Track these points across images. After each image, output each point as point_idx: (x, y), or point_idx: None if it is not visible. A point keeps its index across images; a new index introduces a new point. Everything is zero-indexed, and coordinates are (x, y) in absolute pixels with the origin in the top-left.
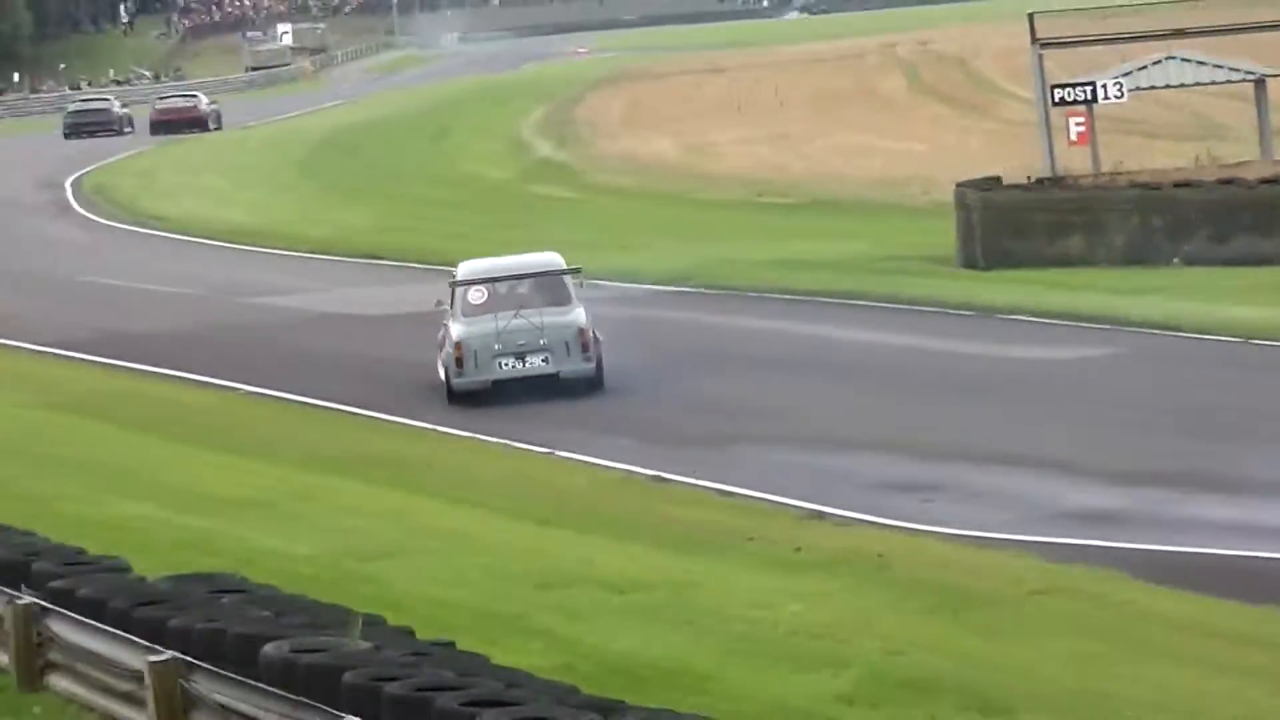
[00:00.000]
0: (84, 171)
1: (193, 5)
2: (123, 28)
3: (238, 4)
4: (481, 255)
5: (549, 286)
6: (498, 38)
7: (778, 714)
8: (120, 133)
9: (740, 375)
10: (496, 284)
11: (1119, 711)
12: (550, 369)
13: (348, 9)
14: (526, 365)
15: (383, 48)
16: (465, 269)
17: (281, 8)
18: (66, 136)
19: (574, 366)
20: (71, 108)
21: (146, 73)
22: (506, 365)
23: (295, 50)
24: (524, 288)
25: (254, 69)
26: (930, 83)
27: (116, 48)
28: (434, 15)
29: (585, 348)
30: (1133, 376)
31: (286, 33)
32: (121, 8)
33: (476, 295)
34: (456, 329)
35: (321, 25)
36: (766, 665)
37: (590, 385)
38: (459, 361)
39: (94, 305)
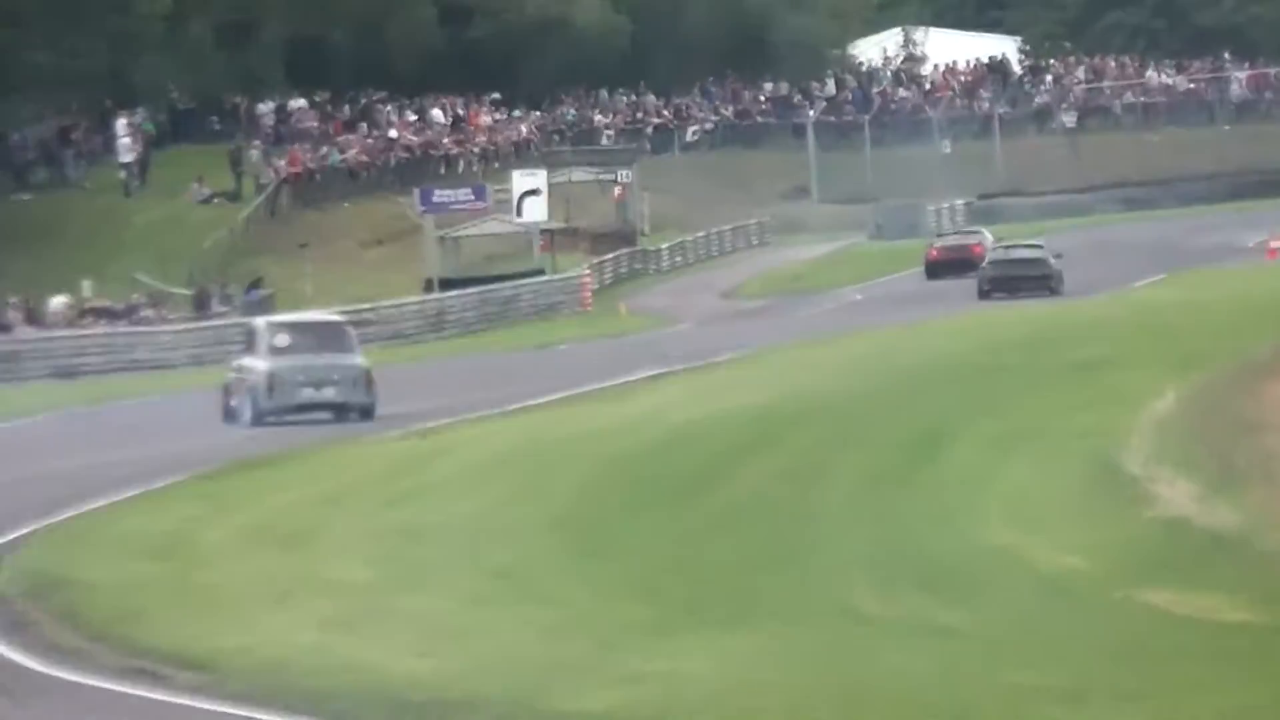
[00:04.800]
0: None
1: (302, 121)
2: (125, 177)
3: (411, 126)
4: None
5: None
6: (1077, 208)
7: None
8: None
9: None
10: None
11: None
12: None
13: (694, 131)
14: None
15: (781, 231)
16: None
17: (521, 132)
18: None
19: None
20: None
21: (171, 291)
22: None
23: (553, 233)
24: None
25: (449, 283)
26: None
27: (106, 219)
28: (915, 150)
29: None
30: None
31: (535, 193)
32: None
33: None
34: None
35: (625, 171)
36: None
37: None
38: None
39: None
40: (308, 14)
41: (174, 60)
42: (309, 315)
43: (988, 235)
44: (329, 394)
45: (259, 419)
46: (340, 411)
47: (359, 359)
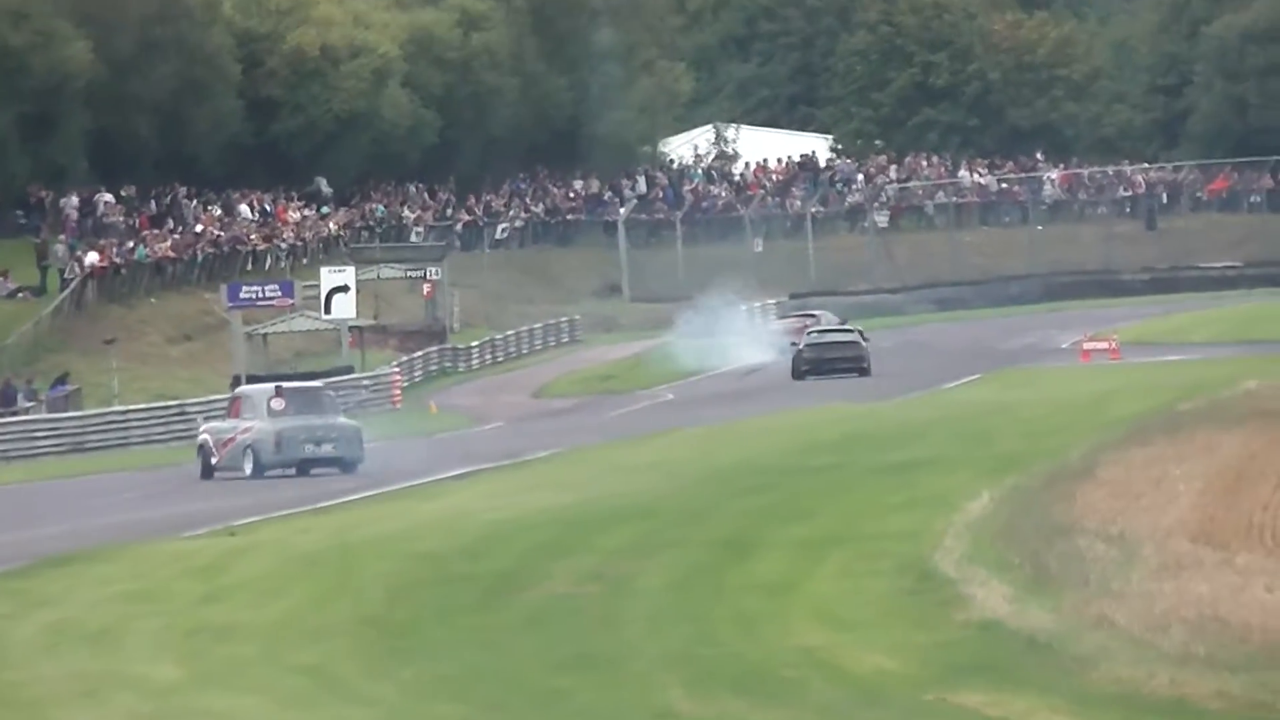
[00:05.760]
0: None
1: (107, 215)
2: None
3: (218, 220)
4: None
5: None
6: (889, 308)
7: None
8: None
9: None
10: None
11: None
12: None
13: (504, 228)
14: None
15: (592, 330)
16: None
17: (329, 228)
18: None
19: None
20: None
21: None
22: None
23: (362, 330)
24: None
25: (256, 379)
26: None
27: None
28: (727, 248)
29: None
30: None
31: (343, 289)
32: None
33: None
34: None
35: (434, 268)
36: None
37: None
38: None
39: None
40: (110, 106)
41: None
42: (298, 383)
43: (829, 316)
44: (328, 450)
45: (261, 471)
46: (337, 465)
47: (349, 420)
